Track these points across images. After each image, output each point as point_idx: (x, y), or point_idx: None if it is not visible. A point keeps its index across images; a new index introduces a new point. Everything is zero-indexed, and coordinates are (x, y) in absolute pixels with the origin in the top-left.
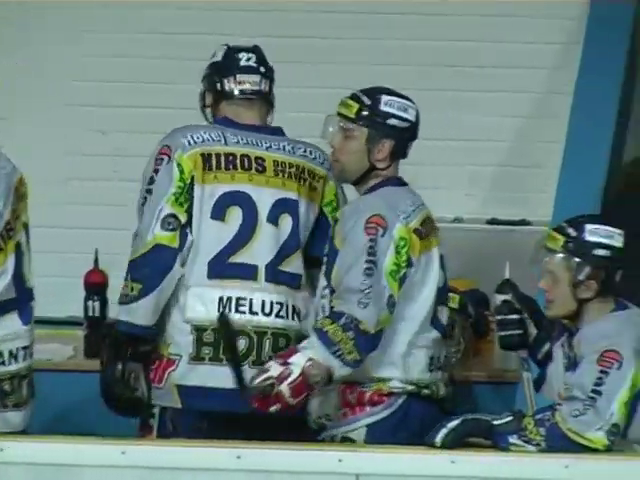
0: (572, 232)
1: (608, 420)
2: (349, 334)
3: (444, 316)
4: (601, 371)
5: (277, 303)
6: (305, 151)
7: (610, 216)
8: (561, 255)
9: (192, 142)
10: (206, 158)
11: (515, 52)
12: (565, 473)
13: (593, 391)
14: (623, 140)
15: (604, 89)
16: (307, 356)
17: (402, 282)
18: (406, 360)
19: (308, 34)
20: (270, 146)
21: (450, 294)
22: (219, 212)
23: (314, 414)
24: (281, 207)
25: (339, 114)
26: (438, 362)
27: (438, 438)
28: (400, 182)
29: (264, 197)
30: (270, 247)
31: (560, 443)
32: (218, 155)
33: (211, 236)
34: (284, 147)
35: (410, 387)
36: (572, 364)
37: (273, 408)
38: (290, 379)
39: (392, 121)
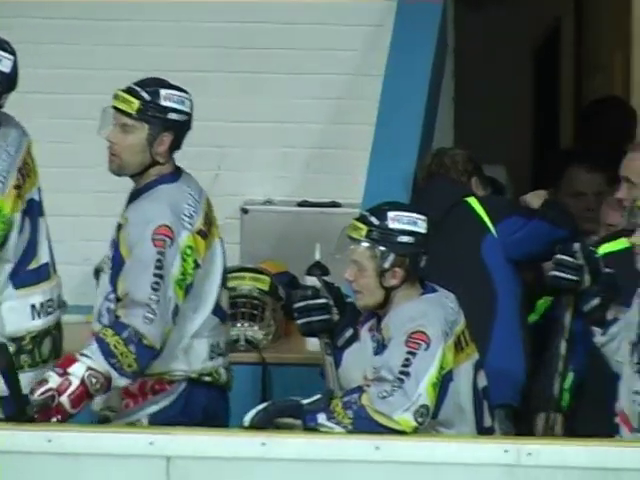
0: (375, 220)
1: (415, 401)
2: (130, 348)
3: (224, 300)
4: (409, 352)
5: (59, 295)
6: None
7: (419, 200)
8: (365, 244)
9: (3, 178)
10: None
11: (325, 34)
12: (376, 455)
13: (401, 372)
14: (433, 124)
15: (414, 72)
16: (86, 365)
17: (188, 290)
18: (188, 353)
19: (105, 17)
20: (21, 140)
21: (260, 276)
22: (21, 226)
23: (96, 406)
24: (39, 195)
25: (117, 109)
26: (219, 349)
27: (247, 418)
28: (176, 176)
29: (37, 195)
30: (46, 239)
31: (367, 425)
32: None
33: (11, 249)
34: (22, 131)
35: (192, 375)
36: (380, 347)
37: (54, 419)
38: (70, 390)
39: (172, 115)
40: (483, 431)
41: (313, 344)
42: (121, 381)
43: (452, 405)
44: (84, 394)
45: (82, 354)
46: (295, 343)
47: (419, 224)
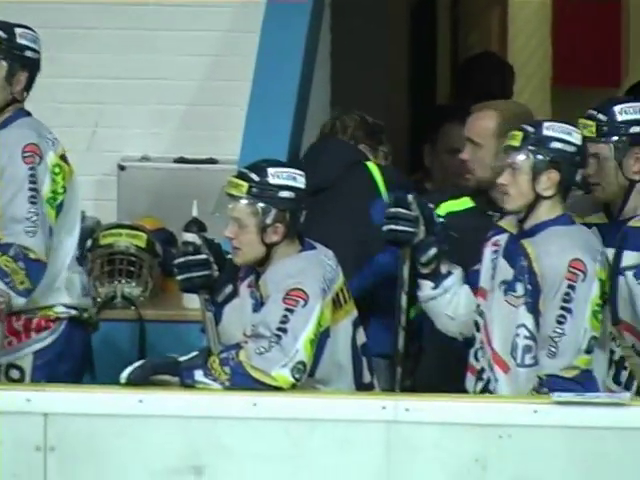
0: (255, 177)
1: (293, 357)
2: (20, 264)
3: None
4: (286, 309)
5: None
6: None
7: (308, 158)
8: (246, 201)
9: None
10: None
11: None
12: (253, 411)
13: (278, 329)
14: (310, 79)
15: (290, 27)
16: None
17: (59, 210)
18: (68, 286)
19: None
20: None
21: (137, 233)
22: None
23: None
24: None
25: None
26: (86, 289)
27: (124, 375)
28: (30, 114)
29: None
30: None
31: (244, 382)
32: None
33: None
34: None
35: (73, 312)
36: (259, 304)
37: None
38: None
39: (28, 53)
40: (362, 387)
41: (190, 300)
42: (18, 300)
43: (330, 362)
44: None
45: None
46: (172, 300)
47: (298, 179)
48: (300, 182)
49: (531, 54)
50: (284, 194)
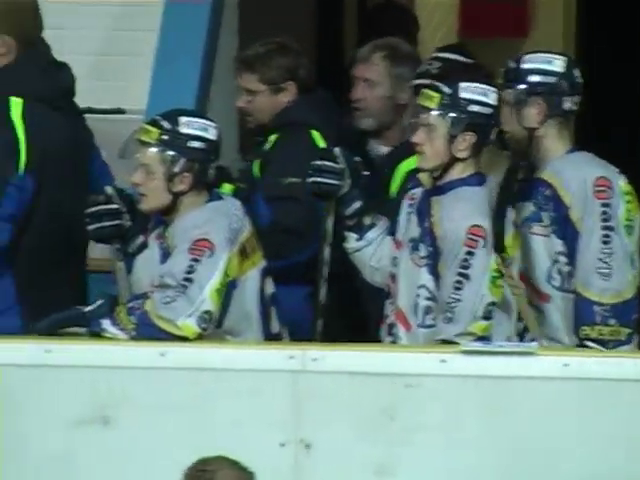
0: (167, 124)
1: (199, 307)
2: None
3: None
4: (192, 259)
5: None
6: None
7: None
8: (155, 148)
9: None
10: None
11: None
12: (161, 361)
13: (184, 279)
14: (217, 28)
15: None
16: None
17: None
18: None
19: None
20: None
21: None
22: None
23: None
24: None
25: None
26: None
27: (37, 327)
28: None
29: None
30: None
31: (150, 332)
32: None
33: None
34: None
35: None
36: (167, 255)
37: None
38: None
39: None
40: (271, 337)
41: (98, 250)
42: None
43: (238, 313)
44: None
45: None
46: None
47: (210, 131)
48: (211, 134)
49: (437, 4)
50: (194, 144)
